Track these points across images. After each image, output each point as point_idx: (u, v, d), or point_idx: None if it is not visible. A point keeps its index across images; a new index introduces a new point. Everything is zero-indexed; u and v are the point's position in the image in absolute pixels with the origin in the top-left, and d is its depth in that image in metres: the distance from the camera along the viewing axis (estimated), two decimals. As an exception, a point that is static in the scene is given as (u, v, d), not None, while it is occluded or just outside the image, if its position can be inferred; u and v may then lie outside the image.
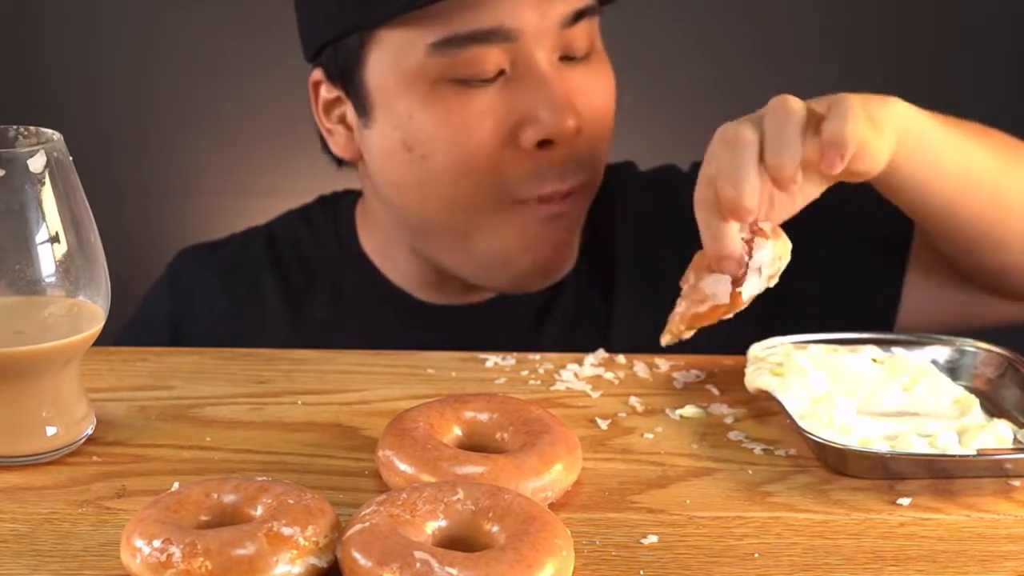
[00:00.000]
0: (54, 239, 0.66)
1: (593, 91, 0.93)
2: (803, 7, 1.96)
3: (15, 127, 0.67)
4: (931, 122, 0.81)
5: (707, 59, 1.95)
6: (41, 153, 0.65)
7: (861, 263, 0.97)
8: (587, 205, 0.96)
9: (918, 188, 0.83)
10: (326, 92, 0.97)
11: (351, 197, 1.08)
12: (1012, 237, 0.87)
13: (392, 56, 0.90)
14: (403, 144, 0.92)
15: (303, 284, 1.04)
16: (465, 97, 0.89)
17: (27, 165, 0.65)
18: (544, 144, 0.90)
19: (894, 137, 0.77)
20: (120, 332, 1.05)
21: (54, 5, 1.94)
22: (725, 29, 1.95)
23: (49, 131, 0.67)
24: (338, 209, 1.07)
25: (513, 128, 0.90)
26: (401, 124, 0.91)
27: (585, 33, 0.92)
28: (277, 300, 1.03)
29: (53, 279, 0.66)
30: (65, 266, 0.66)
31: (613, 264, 1.02)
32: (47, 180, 0.65)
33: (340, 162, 1.03)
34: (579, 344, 0.87)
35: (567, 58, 0.91)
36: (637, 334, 0.92)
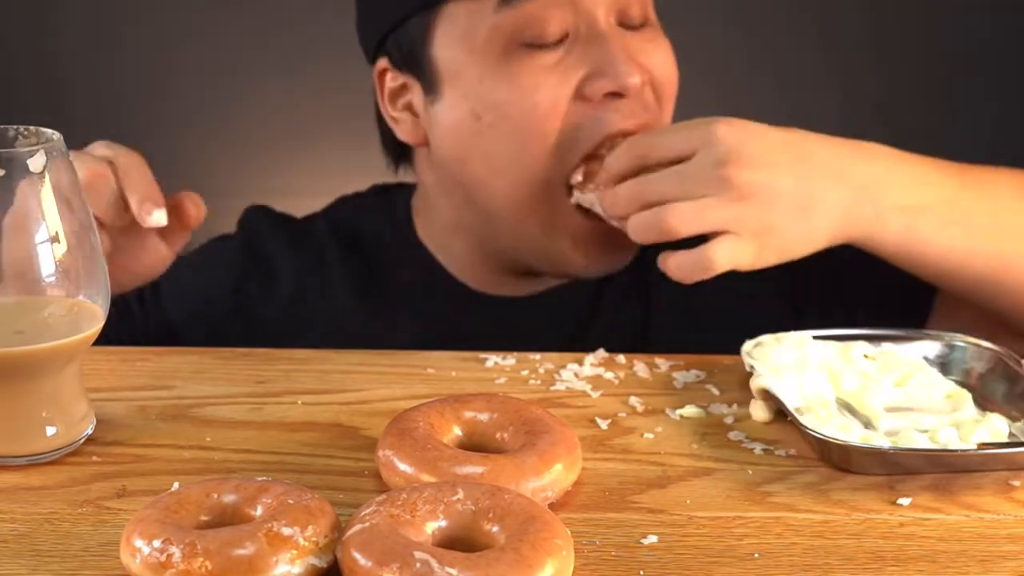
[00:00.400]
0: (54, 239, 0.66)
1: (653, 54, 0.94)
2: (800, 21, 1.96)
3: (15, 127, 0.67)
4: (930, 199, 0.84)
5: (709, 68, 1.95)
6: (41, 153, 0.65)
7: (890, 303, 0.98)
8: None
9: (905, 260, 0.86)
10: (391, 81, 0.99)
11: (406, 189, 1.09)
12: (1016, 291, 0.88)
13: (460, 27, 0.93)
14: (472, 113, 0.93)
15: (362, 266, 1.05)
16: (533, 58, 0.91)
17: (27, 165, 0.65)
18: (613, 97, 0.91)
19: (835, 221, 0.82)
20: (176, 272, 1.01)
21: (57, 5, 1.94)
22: (727, 39, 1.95)
23: (49, 131, 0.67)
24: (394, 198, 1.09)
25: (580, 83, 0.91)
26: (471, 92, 0.93)
27: (639, 3, 0.94)
28: (341, 274, 1.04)
29: (53, 279, 0.66)
30: (65, 266, 0.66)
31: (650, 263, 1.02)
32: (47, 180, 0.65)
33: (397, 161, 1.05)
34: (623, 341, 0.88)
35: (623, 25, 0.93)
36: (675, 334, 0.94)
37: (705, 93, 1.94)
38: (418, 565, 0.52)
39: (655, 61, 0.94)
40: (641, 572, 0.58)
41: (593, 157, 0.91)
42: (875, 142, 0.86)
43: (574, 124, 0.91)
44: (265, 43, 1.82)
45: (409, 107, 0.99)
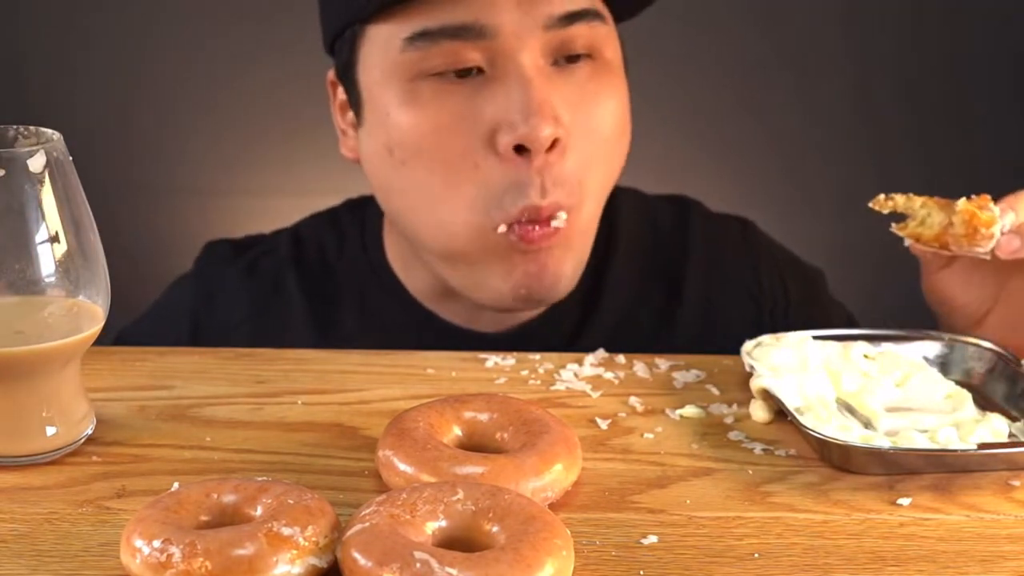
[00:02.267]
0: (54, 239, 0.66)
1: (587, 105, 0.87)
2: (814, 24, 1.96)
3: (15, 127, 0.67)
4: None
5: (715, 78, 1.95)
6: (41, 153, 0.65)
7: None
8: (579, 233, 0.89)
9: None
10: (340, 93, 0.96)
11: (376, 205, 1.04)
12: None
13: (377, 52, 0.88)
14: (385, 146, 0.88)
15: (328, 291, 1.01)
16: (442, 96, 0.86)
17: (27, 165, 0.65)
18: (520, 151, 0.84)
19: None
20: (139, 320, 1.03)
21: (54, 5, 1.94)
22: (734, 49, 1.95)
23: (49, 131, 0.67)
24: (366, 215, 1.04)
25: (490, 131, 0.85)
26: (381, 123, 0.89)
27: (583, 39, 0.87)
28: (301, 306, 1.00)
29: (53, 279, 0.66)
30: (65, 266, 0.66)
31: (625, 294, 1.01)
32: (47, 180, 0.65)
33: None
34: None
35: (560, 63, 0.87)
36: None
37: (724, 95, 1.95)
38: (418, 565, 0.52)
39: (590, 111, 0.87)
40: (641, 572, 0.58)
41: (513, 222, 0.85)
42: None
43: (493, 183, 0.85)
44: (257, 41, 1.82)
45: (353, 123, 0.95)
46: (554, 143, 0.84)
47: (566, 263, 0.89)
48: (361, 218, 1.04)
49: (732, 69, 1.95)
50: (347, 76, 0.93)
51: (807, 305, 1.05)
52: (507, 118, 0.84)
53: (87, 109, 1.96)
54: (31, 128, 0.67)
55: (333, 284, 1.02)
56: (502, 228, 0.86)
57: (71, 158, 0.67)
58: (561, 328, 0.99)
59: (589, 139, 0.87)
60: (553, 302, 0.92)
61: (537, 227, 0.86)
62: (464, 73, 0.86)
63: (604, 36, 0.89)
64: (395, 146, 0.88)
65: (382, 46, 0.88)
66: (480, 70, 0.86)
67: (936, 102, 1.97)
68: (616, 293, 1.01)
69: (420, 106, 0.86)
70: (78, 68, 1.97)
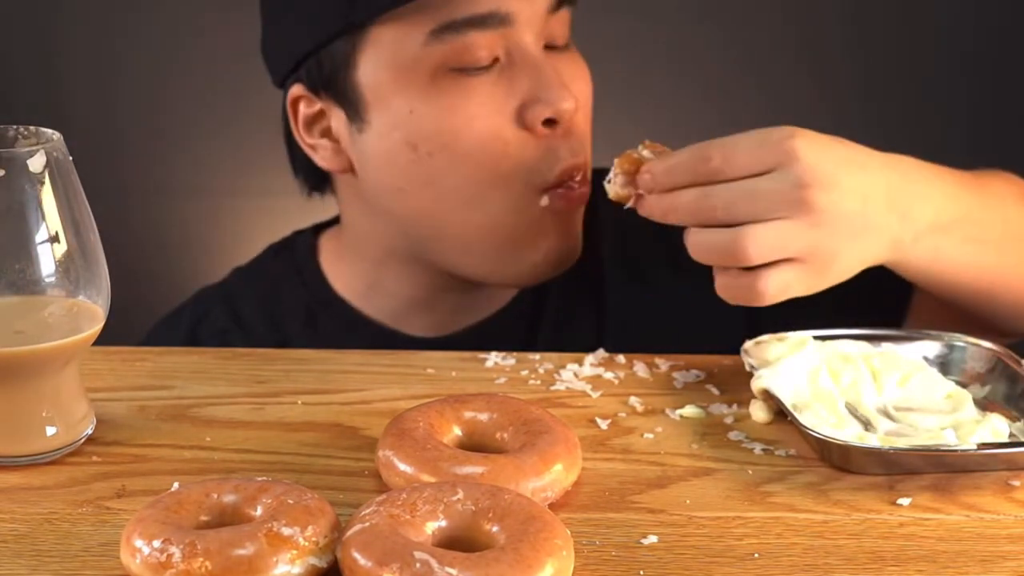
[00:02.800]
0: (54, 239, 0.66)
1: (578, 78, 0.94)
2: (783, 19, 1.96)
3: (15, 127, 0.67)
4: (955, 216, 0.81)
5: (684, 67, 1.95)
6: (41, 153, 0.65)
7: (862, 306, 0.93)
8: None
9: (924, 280, 0.84)
10: (306, 107, 0.94)
11: (304, 238, 1.05)
12: (1013, 301, 0.87)
13: (387, 52, 0.89)
14: (406, 143, 0.90)
15: (276, 341, 0.99)
16: (465, 87, 0.89)
17: (27, 165, 0.65)
18: (549, 124, 0.89)
19: (882, 245, 0.78)
20: None
21: (54, 4, 1.94)
22: (705, 38, 1.95)
23: (49, 131, 0.67)
24: (295, 255, 1.04)
25: (518, 111, 0.89)
26: (401, 122, 0.90)
27: (564, 23, 0.93)
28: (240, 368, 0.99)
29: (53, 279, 0.66)
30: (65, 266, 0.66)
31: (600, 271, 1.01)
32: (47, 180, 0.65)
33: (311, 188, 1.01)
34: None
35: (549, 48, 0.92)
36: (627, 341, 0.90)
37: (693, 93, 1.95)
38: (418, 565, 0.52)
39: (581, 86, 0.93)
40: (641, 572, 0.58)
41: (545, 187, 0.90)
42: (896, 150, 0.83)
43: (528, 157, 0.89)
44: (256, 42, 1.82)
45: (327, 133, 0.94)
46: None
47: (580, 224, 0.95)
48: (291, 260, 1.04)
49: (733, 61, 1.95)
50: (334, 86, 0.92)
51: None
52: (533, 96, 0.89)
53: (87, 109, 1.96)
54: (31, 128, 0.67)
55: (280, 333, 1.01)
56: (544, 200, 0.91)
57: (71, 158, 0.67)
58: (523, 315, 1.00)
59: (583, 108, 0.94)
60: (570, 266, 0.96)
61: (576, 185, 0.91)
62: (482, 63, 0.89)
63: (569, 21, 0.95)
64: (421, 140, 0.89)
65: (395, 45, 0.89)
66: (496, 60, 0.90)
67: (941, 95, 1.97)
68: (555, 307, 1.01)
69: (446, 99, 0.89)
70: (78, 68, 1.97)
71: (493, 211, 0.91)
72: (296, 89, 0.95)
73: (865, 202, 0.76)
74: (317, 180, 1.01)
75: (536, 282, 0.97)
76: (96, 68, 1.97)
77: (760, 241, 0.74)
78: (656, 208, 0.79)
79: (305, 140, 0.96)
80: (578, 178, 0.92)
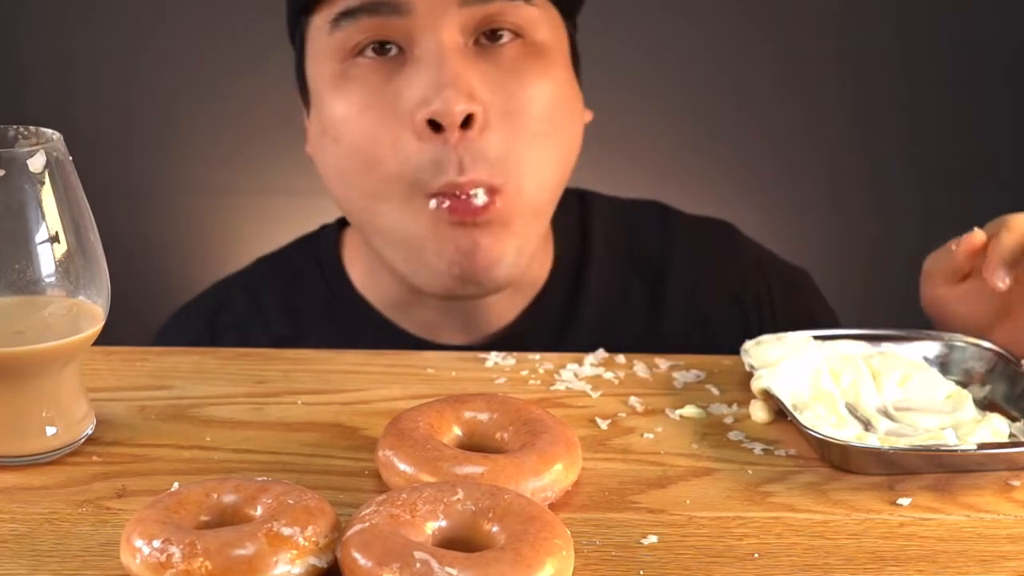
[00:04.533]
0: (54, 239, 0.66)
1: (511, 83, 0.87)
2: (808, 24, 1.96)
3: (15, 127, 0.67)
4: None
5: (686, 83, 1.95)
6: (41, 153, 0.65)
7: None
8: (518, 215, 0.89)
9: None
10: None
11: (330, 231, 1.05)
12: None
13: (314, 42, 0.91)
14: (322, 131, 0.91)
15: (295, 333, 1.00)
16: (365, 76, 0.88)
17: (27, 165, 0.65)
18: (434, 127, 0.85)
19: None
20: None
21: (55, 4, 1.94)
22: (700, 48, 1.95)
23: (49, 131, 0.67)
24: (319, 248, 1.04)
25: (408, 109, 0.86)
26: (318, 108, 0.92)
27: (507, 18, 0.87)
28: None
29: (53, 279, 0.66)
30: (65, 266, 0.66)
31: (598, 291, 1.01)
32: (47, 180, 0.65)
33: None
34: None
35: (484, 43, 0.88)
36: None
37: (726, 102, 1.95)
38: (418, 565, 0.52)
39: (513, 89, 0.87)
40: (641, 572, 0.58)
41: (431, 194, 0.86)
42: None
43: (407, 156, 0.86)
44: (256, 40, 1.82)
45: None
46: (470, 119, 0.85)
47: (505, 244, 0.89)
48: (315, 253, 1.04)
49: (724, 68, 1.95)
50: (300, 71, 0.95)
51: (792, 303, 1.05)
52: (420, 94, 0.85)
53: (87, 109, 1.96)
54: (31, 128, 0.67)
55: (300, 327, 1.01)
56: (432, 203, 0.87)
57: (71, 158, 0.67)
58: (544, 330, 0.98)
59: (514, 118, 0.87)
60: (492, 288, 0.91)
61: (465, 197, 0.86)
62: (383, 51, 0.88)
63: (533, 19, 0.89)
64: (327, 127, 0.90)
65: (316, 33, 0.91)
66: (401, 50, 0.88)
67: (930, 103, 1.98)
68: (596, 298, 1.01)
69: (347, 87, 0.89)
70: (78, 68, 1.97)
71: (389, 208, 0.89)
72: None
73: None
74: None
75: (455, 296, 0.91)
76: (96, 68, 1.97)
77: None
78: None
79: (306, 126, 0.98)
80: (467, 195, 0.86)
